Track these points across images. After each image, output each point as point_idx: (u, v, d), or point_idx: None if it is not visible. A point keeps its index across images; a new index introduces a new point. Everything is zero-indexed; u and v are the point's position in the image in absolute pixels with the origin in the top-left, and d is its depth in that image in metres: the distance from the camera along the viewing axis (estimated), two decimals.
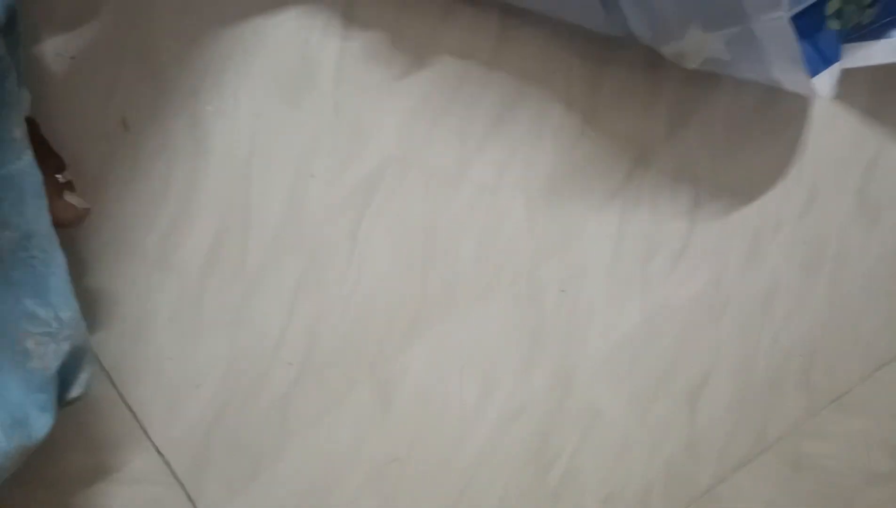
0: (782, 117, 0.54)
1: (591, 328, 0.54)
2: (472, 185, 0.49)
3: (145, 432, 0.46)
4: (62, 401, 0.36)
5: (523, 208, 0.51)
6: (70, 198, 0.38)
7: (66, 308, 0.35)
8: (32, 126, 0.38)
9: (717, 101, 0.53)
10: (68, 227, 0.38)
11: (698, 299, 0.56)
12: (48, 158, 0.38)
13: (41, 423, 0.34)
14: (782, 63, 0.42)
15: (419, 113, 0.47)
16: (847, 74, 0.48)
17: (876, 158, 0.56)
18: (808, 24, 0.47)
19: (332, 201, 0.47)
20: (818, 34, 0.48)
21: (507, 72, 0.48)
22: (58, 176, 0.38)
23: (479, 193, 0.49)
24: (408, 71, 0.47)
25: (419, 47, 0.46)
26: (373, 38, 0.46)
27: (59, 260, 0.35)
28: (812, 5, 0.46)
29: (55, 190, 0.37)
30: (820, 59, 0.48)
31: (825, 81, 0.47)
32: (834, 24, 0.48)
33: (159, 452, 0.46)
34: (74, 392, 0.37)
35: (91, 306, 0.44)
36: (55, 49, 0.41)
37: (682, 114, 0.52)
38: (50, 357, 0.34)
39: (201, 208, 0.44)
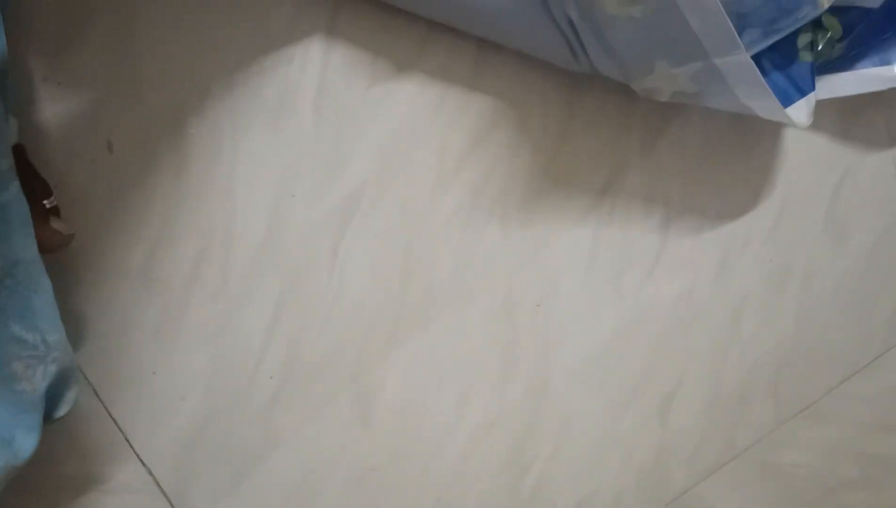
0: (753, 137, 0.55)
1: (565, 340, 0.55)
2: (450, 203, 0.51)
3: (130, 444, 0.47)
4: (49, 420, 0.38)
5: (499, 225, 0.52)
6: (56, 223, 0.39)
7: (52, 331, 0.36)
8: (20, 152, 0.39)
9: (690, 121, 0.54)
10: (54, 252, 0.39)
11: (669, 312, 0.57)
12: (35, 184, 0.39)
13: (27, 443, 0.35)
14: (750, 93, 0.43)
15: (399, 133, 0.49)
16: (817, 99, 0.50)
17: (843, 180, 0.57)
18: (781, 56, 0.48)
19: (314, 219, 0.48)
20: (792, 66, 0.49)
21: (485, 93, 0.50)
22: (44, 202, 0.39)
23: (457, 211, 0.51)
24: (387, 93, 0.48)
25: (399, 70, 0.48)
26: (353, 61, 0.47)
27: (44, 285, 0.36)
28: (784, 38, 0.47)
29: (41, 216, 0.38)
30: (795, 90, 0.49)
31: (802, 111, 0.48)
32: (807, 56, 0.49)
33: (143, 463, 0.48)
34: (61, 411, 0.38)
35: (77, 322, 0.45)
36: (42, 74, 0.42)
37: (655, 133, 0.54)
38: (38, 379, 0.36)
39: (184, 227, 0.46)
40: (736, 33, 0.38)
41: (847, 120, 0.57)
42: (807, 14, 0.44)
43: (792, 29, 0.45)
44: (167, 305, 0.46)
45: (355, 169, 0.48)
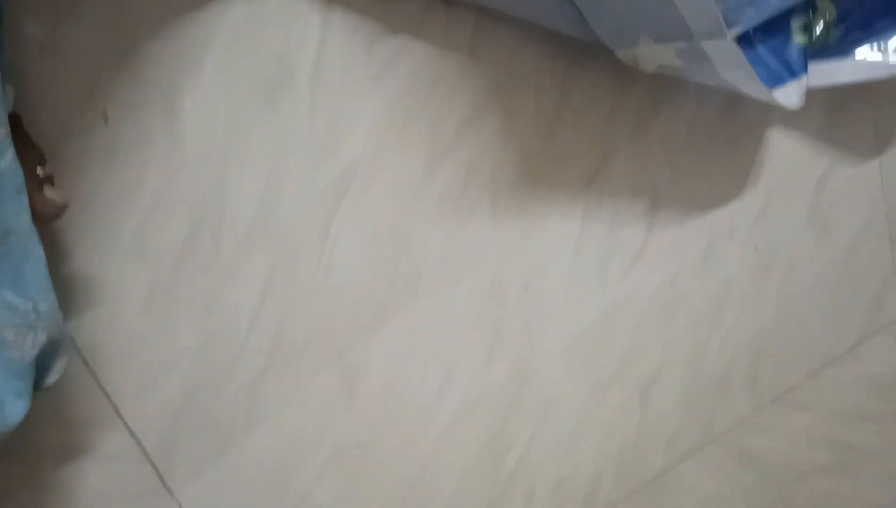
0: (741, 128, 0.56)
1: (551, 323, 0.56)
2: (441, 184, 0.51)
3: (118, 412, 0.48)
4: (38, 388, 0.38)
5: (489, 207, 0.52)
6: (50, 192, 0.39)
7: (44, 300, 0.36)
8: (16, 121, 0.39)
9: (679, 111, 0.54)
10: (47, 221, 0.39)
11: (654, 298, 0.58)
12: (30, 152, 0.39)
13: (16, 409, 0.36)
14: (736, 75, 0.43)
15: (393, 113, 0.49)
16: (812, 87, 0.50)
17: (827, 174, 0.58)
18: (773, 38, 0.48)
19: (306, 196, 0.48)
20: (785, 47, 0.49)
21: (480, 74, 0.50)
22: (39, 171, 0.39)
23: (448, 192, 0.51)
24: (383, 72, 0.48)
25: (395, 48, 0.48)
26: (350, 38, 0.47)
27: (37, 253, 0.36)
28: (778, 18, 0.47)
29: (36, 185, 0.38)
30: (786, 71, 0.48)
31: (792, 93, 0.48)
32: (800, 38, 0.49)
33: (131, 432, 0.48)
34: (51, 379, 0.39)
35: (68, 292, 0.45)
36: (39, 44, 0.42)
37: (644, 121, 0.54)
38: (28, 346, 0.36)
39: (177, 200, 0.46)
40: (721, 17, 0.38)
41: (834, 114, 0.57)
42: None
43: (782, 8, 0.45)
44: (158, 277, 0.47)
45: (348, 147, 0.48)
